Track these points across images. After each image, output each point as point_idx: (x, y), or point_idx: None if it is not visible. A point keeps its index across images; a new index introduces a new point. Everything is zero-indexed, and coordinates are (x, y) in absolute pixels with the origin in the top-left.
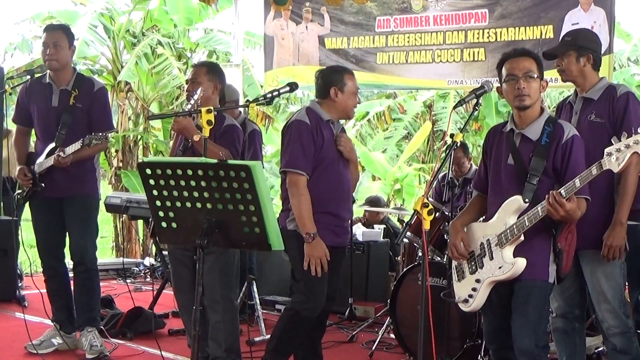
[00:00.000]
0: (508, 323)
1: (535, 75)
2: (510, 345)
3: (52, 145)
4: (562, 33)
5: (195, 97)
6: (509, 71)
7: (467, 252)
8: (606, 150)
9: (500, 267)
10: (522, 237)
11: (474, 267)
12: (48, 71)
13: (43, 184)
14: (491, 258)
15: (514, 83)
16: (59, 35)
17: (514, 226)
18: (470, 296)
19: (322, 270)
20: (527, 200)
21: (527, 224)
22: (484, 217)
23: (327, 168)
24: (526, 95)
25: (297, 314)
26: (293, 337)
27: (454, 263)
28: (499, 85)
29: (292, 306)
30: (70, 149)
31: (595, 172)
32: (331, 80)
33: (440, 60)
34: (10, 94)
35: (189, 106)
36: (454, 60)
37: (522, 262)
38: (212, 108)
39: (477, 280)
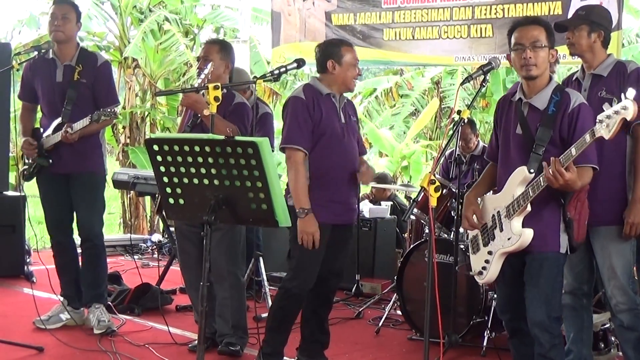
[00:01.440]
0: (520, 294)
1: (543, 45)
2: (522, 317)
3: (58, 120)
4: (571, 9)
5: (206, 71)
6: (517, 40)
7: (479, 225)
8: (598, 117)
9: (509, 239)
10: (529, 208)
11: (486, 240)
12: (52, 47)
13: (51, 160)
14: (501, 230)
15: (521, 52)
16: (68, 9)
17: (520, 197)
18: (484, 268)
19: (315, 247)
20: (532, 170)
21: (530, 194)
22: (495, 188)
23: (329, 143)
24: (532, 65)
25: (286, 291)
26: (286, 315)
27: (470, 236)
28: (509, 53)
29: (283, 284)
30: (79, 125)
31: (589, 140)
32: (328, 53)
33: (447, 37)
34: (17, 70)
35: (199, 81)
36: (460, 37)
37: (529, 233)
38: (219, 85)
39: (490, 252)
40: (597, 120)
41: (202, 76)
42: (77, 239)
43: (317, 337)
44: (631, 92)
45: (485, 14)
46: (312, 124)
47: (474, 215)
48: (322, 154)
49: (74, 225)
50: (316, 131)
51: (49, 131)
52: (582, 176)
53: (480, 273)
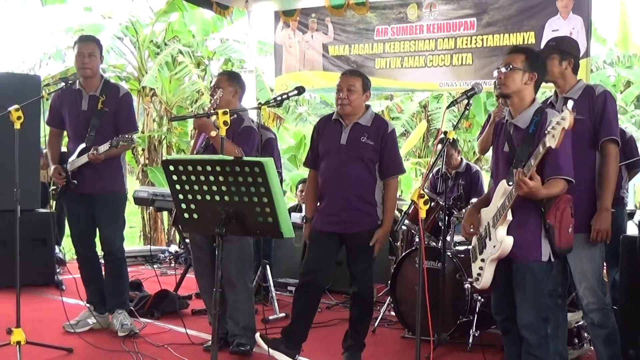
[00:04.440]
0: (512, 298)
1: (515, 67)
2: (514, 318)
3: (83, 145)
4: (543, 39)
5: (215, 96)
6: (499, 65)
7: (472, 234)
8: (547, 129)
9: (494, 246)
10: (510, 217)
11: (480, 248)
12: (78, 79)
13: (75, 181)
14: (490, 239)
15: (497, 73)
16: (93, 47)
17: (501, 207)
18: (479, 275)
19: (307, 245)
20: (510, 183)
21: (507, 204)
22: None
23: (322, 162)
24: (502, 84)
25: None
26: (293, 302)
27: (471, 245)
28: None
29: None
30: (102, 148)
31: (542, 150)
32: None
33: (432, 65)
34: (47, 99)
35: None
36: (444, 65)
37: (509, 240)
38: (227, 110)
39: (482, 260)
40: (546, 132)
41: (212, 102)
42: (100, 252)
43: (349, 343)
44: (570, 103)
45: (466, 44)
46: (316, 146)
47: (471, 226)
48: (320, 171)
49: (97, 239)
50: (319, 152)
51: (74, 156)
52: (551, 186)
53: (476, 279)
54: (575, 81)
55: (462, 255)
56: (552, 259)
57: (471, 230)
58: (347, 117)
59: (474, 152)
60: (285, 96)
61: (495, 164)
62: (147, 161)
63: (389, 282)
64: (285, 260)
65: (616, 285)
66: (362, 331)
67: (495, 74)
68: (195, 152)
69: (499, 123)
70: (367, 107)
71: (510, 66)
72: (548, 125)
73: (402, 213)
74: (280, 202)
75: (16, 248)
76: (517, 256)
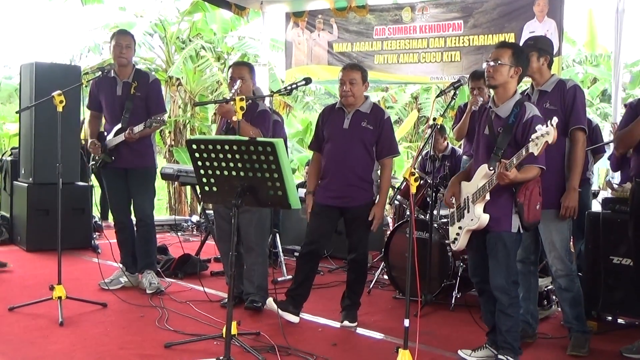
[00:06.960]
0: (486, 263)
1: (502, 62)
2: (488, 280)
3: (118, 126)
4: (522, 39)
5: (236, 87)
6: (488, 58)
7: (454, 204)
8: (532, 136)
9: (472, 220)
10: (488, 197)
11: (459, 216)
12: (113, 67)
13: (113, 157)
14: (468, 211)
15: (486, 66)
16: (129, 39)
17: (481, 188)
18: (456, 239)
19: (310, 217)
20: (491, 168)
21: (487, 188)
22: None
23: (327, 145)
24: (490, 77)
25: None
26: (296, 266)
27: (450, 211)
28: None
29: None
30: (137, 129)
31: (525, 154)
32: None
33: (425, 61)
34: (86, 86)
35: (231, 94)
36: (435, 61)
37: (485, 217)
38: (244, 97)
39: (460, 227)
40: (530, 139)
41: (233, 90)
42: (134, 219)
43: (347, 302)
44: (554, 120)
45: (454, 43)
46: (321, 130)
47: (453, 197)
48: (324, 152)
49: (131, 208)
50: (324, 136)
51: (111, 135)
52: (527, 171)
53: (453, 242)
54: (550, 75)
55: (447, 227)
56: (521, 231)
57: (452, 200)
58: (349, 105)
59: None
60: (294, 86)
61: (476, 144)
62: (173, 142)
63: (383, 249)
64: (293, 230)
65: (581, 255)
66: (358, 292)
67: (485, 66)
68: (218, 134)
69: (481, 108)
70: (367, 97)
71: (499, 61)
72: (532, 131)
73: (396, 189)
74: (289, 177)
75: (58, 216)
76: (491, 227)
